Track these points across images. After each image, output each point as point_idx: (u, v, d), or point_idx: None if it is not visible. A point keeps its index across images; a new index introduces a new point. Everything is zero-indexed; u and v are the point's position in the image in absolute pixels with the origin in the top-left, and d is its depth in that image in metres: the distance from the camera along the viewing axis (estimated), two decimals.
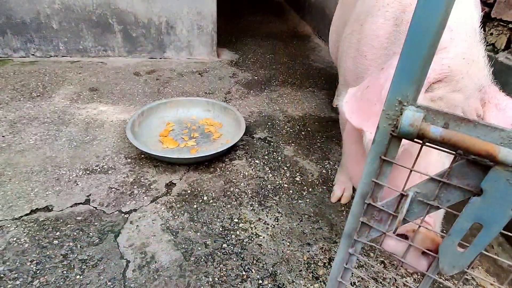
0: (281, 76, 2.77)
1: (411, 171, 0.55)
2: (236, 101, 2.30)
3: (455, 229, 0.53)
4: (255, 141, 1.86)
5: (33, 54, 2.70)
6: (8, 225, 1.20)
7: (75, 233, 1.20)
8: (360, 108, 0.75)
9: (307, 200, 1.46)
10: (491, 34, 1.42)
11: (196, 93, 2.37)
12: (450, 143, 0.47)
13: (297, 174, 1.62)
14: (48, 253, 1.12)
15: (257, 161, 1.69)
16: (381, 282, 1.12)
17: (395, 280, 1.12)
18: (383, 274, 1.15)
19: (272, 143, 1.85)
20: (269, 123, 2.04)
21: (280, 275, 1.11)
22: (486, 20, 1.45)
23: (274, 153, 1.76)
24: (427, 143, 0.49)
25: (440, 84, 0.74)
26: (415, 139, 0.50)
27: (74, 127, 1.84)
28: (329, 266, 1.16)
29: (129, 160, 1.61)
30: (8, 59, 2.60)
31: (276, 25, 4.39)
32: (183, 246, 1.19)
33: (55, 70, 2.55)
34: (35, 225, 1.22)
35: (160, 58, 2.96)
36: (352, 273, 1.08)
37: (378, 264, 1.19)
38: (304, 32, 4.13)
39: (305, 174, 1.62)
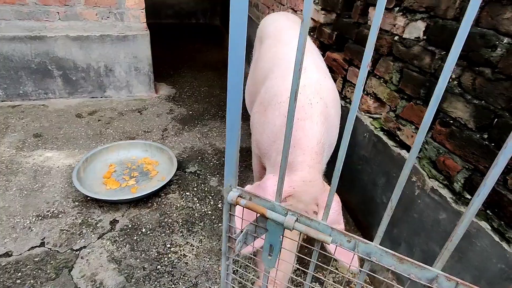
0: (213, 109, 3.20)
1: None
2: (172, 138, 2.67)
3: (265, 248, 1.00)
4: (187, 175, 2.25)
5: None
6: None
7: (34, 272, 1.49)
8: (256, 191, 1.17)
9: None
10: (348, 91, 1.99)
11: (136, 133, 2.70)
12: (250, 208, 0.94)
13: (219, 201, 2.05)
14: None
15: (187, 193, 2.09)
16: None
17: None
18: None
19: (201, 176, 2.26)
20: (199, 157, 2.45)
21: (200, 284, 1.53)
22: (344, 81, 2.02)
23: (202, 185, 2.18)
24: (244, 206, 0.95)
25: (289, 198, 1.16)
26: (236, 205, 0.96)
27: (22, 176, 2.08)
28: (236, 273, 1.59)
29: (76, 203, 1.92)
30: None
31: (213, 54, 4.81)
32: (126, 271, 1.55)
33: None
34: None
35: (101, 97, 3.23)
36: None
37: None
38: None
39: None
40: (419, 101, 1.40)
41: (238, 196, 0.98)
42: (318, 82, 1.39)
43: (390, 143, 1.58)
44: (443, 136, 1.28)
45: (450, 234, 1.12)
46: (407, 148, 1.49)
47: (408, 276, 0.76)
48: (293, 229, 0.86)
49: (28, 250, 1.60)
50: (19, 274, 1.48)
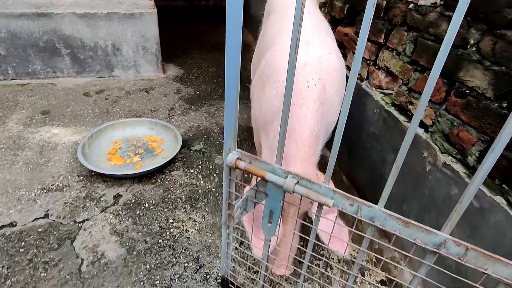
0: (220, 90, 3.15)
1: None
2: (178, 117, 2.64)
3: (264, 214, 0.96)
4: (191, 153, 2.23)
5: None
6: None
7: (37, 242, 1.50)
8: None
9: None
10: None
11: (143, 111, 2.68)
12: (249, 171, 0.90)
13: None
14: (16, 259, 1.42)
15: (192, 171, 2.06)
16: None
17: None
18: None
19: (206, 154, 2.23)
20: (205, 136, 2.42)
21: (202, 258, 1.51)
22: None
23: (207, 163, 2.15)
24: (244, 169, 0.91)
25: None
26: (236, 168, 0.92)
27: (29, 151, 2.09)
28: (239, 248, 1.57)
29: (81, 177, 1.91)
30: None
31: (221, 35, 4.72)
32: (127, 244, 1.54)
33: (5, 94, 2.73)
34: (3, 238, 1.50)
35: (109, 77, 3.21)
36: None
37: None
38: (245, 42, 4.52)
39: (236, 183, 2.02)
40: None
41: (237, 158, 0.94)
42: (319, 60, 1.32)
43: (401, 118, 1.50)
44: (458, 108, 1.20)
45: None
46: (419, 123, 1.41)
47: (413, 241, 0.71)
48: (293, 192, 0.82)
49: (32, 221, 1.61)
50: (23, 243, 1.49)
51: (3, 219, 1.60)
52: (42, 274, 1.37)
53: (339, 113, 0.75)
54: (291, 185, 0.81)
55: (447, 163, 1.23)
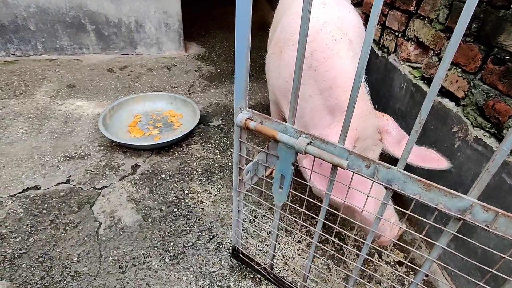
0: None
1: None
2: (198, 94, 2.63)
3: (275, 178, 0.92)
4: (210, 129, 2.22)
5: (13, 54, 2.95)
6: (6, 201, 1.55)
7: (59, 205, 1.55)
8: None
9: None
10: (386, 39, 1.79)
11: (163, 87, 2.69)
12: (259, 131, 0.86)
13: None
14: (39, 219, 1.47)
15: (209, 145, 2.05)
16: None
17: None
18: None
19: (224, 130, 2.21)
20: (224, 113, 2.40)
21: (215, 229, 1.50)
22: (383, 28, 1.81)
23: (225, 138, 2.13)
24: (254, 129, 0.88)
25: (357, 141, 1.09)
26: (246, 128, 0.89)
27: (54, 121, 2.16)
28: (253, 221, 1.55)
29: (102, 147, 1.96)
30: None
31: None
32: (143, 211, 1.56)
33: (35, 68, 2.82)
34: (27, 200, 1.57)
35: (132, 54, 3.24)
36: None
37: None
38: (271, 22, 4.41)
39: (247, 154, 2.00)
40: (469, 37, 1.20)
41: (248, 118, 0.90)
42: (339, 18, 1.26)
43: None
44: (496, 76, 1.09)
45: (493, 188, 0.95)
46: (450, 96, 1.31)
47: (435, 207, 0.65)
48: (305, 152, 0.78)
49: (55, 185, 1.67)
50: (45, 205, 1.55)
51: (28, 182, 1.67)
52: (62, 234, 1.41)
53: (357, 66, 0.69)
54: (303, 145, 0.76)
55: (479, 137, 1.13)
